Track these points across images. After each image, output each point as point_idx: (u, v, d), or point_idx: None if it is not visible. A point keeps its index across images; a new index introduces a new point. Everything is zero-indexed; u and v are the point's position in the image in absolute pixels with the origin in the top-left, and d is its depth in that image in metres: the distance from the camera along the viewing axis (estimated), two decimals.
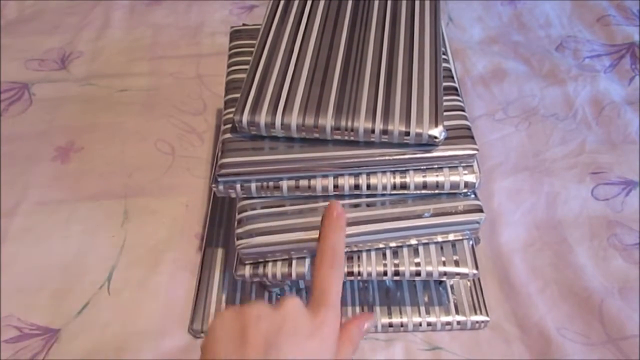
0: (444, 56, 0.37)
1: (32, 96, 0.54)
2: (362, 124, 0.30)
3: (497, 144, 0.49)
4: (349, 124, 0.30)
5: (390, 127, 0.30)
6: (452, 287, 0.38)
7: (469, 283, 0.39)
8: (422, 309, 0.37)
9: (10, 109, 0.53)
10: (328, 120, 0.30)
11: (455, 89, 0.36)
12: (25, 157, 0.49)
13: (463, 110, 0.34)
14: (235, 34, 0.41)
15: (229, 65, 0.39)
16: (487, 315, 0.37)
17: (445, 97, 0.33)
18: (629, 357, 0.36)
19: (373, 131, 0.30)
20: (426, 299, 0.38)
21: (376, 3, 0.38)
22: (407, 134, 0.30)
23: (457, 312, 0.37)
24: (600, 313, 0.38)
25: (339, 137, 0.31)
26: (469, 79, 0.55)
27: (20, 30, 0.62)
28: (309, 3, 0.38)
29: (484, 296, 0.38)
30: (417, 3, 0.39)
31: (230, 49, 0.40)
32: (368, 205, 0.32)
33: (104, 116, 0.52)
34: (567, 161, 0.48)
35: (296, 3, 0.38)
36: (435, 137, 0.30)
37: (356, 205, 0.32)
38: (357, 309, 0.37)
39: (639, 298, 0.38)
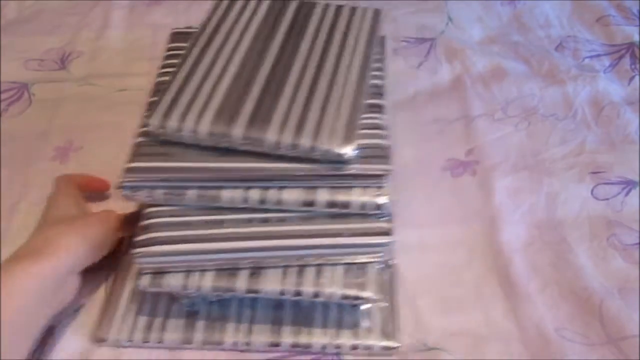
0: (376, 72, 0.37)
1: (32, 96, 0.54)
2: (271, 135, 0.30)
3: (497, 143, 0.49)
4: (259, 135, 0.30)
5: (299, 142, 0.30)
6: (368, 309, 0.37)
7: (385, 306, 0.37)
8: (333, 330, 0.35)
9: (10, 109, 0.53)
10: (238, 130, 0.30)
11: (380, 106, 0.35)
12: (24, 157, 0.49)
13: (383, 129, 0.33)
14: (175, 36, 0.40)
15: (161, 67, 0.38)
16: (397, 341, 0.36)
17: (367, 115, 0.33)
18: (629, 358, 0.36)
19: (281, 144, 0.30)
20: (338, 320, 0.36)
21: (317, 12, 0.38)
22: (316, 149, 0.30)
23: (367, 337, 0.35)
24: (600, 313, 0.38)
25: (249, 148, 0.30)
26: (469, 78, 0.55)
27: (20, 30, 0.62)
28: (249, 9, 0.38)
29: (398, 321, 0.37)
30: (357, 14, 0.38)
31: (167, 50, 0.39)
32: (278, 220, 0.32)
33: (103, 116, 0.52)
34: (566, 161, 0.48)
35: (237, 8, 0.38)
36: (345, 155, 0.30)
37: (266, 220, 0.32)
38: (268, 327, 0.36)
39: (639, 298, 0.38)
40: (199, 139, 0.30)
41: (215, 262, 0.31)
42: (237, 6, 0.38)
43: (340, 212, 0.32)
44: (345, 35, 0.36)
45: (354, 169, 0.31)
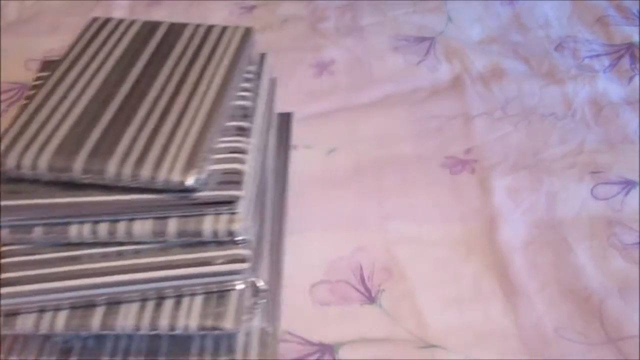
0: (245, 93, 0.36)
1: None
2: (111, 167, 0.29)
3: (496, 142, 0.49)
4: (99, 167, 0.29)
5: (138, 172, 0.29)
6: (247, 334, 0.35)
7: (266, 329, 0.35)
8: (209, 358, 0.33)
9: (10, 109, 0.53)
10: (78, 163, 0.29)
11: (244, 129, 0.34)
12: None
13: (243, 153, 0.33)
14: (45, 65, 0.40)
15: (25, 98, 0.36)
16: None
17: (229, 139, 0.33)
18: (629, 358, 0.35)
19: (122, 176, 0.29)
20: (215, 346, 0.34)
21: (186, 34, 0.37)
22: (155, 180, 0.29)
23: None
24: (600, 313, 0.38)
25: (91, 181, 0.30)
26: (468, 77, 0.55)
27: (20, 31, 0.62)
28: (117, 33, 0.37)
29: (276, 344, 0.35)
30: (226, 34, 0.37)
31: (34, 80, 0.38)
32: (133, 253, 0.31)
33: None
34: (566, 160, 0.47)
35: (105, 32, 0.37)
36: (185, 184, 0.29)
37: (120, 254, 0.31)
38: (142, 359, 0.34)
39: (639, 298, 0.38)
40: (39, 175, 0.30)
41: (69, 300, 0.30)
42: (106, 30, 0.38)
43: (194, 241, 0.31)
44: (210, 57, 0.36)
45: (202, 196, 0.30)
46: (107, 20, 0.39)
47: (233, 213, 0.30)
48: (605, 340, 0.36)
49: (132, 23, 0.39)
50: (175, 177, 0.29)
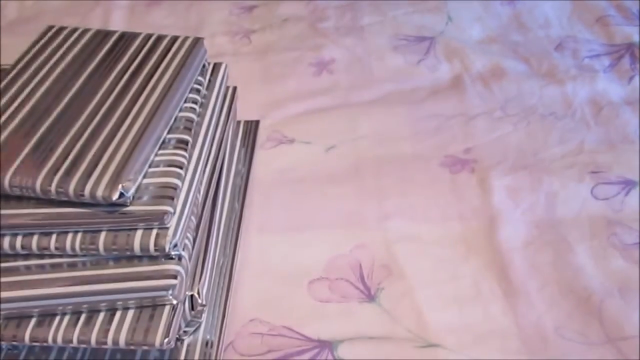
0: (191, 104, 0.35)
1: None
2: (39, 181, 0.29)
3: (496, 142, 0.49)
4: (27, 181, 0.29)
5: (65, 186, 0.29)
6: (189, 345, 0.34)
7: (210, 345, 0.35)
8: None
9: None
10: (8, 175, 0.29)
11: (186, 142, 0.34)
12: None
13: (181, 168, 0.32)
14: None
15: None
16: None
17: (168, 151, 0.32)
18: (628, 358, 0.35)
19: (50, 190, 0.29)
20: (160, 357, 0.34)
21: (135, 44, 0.37)
22: (82, 194, 0.29)
23: None
24: (600, 313, 0.38)
25: (20, 194, 0.29)
26: (468, 76, 0.55)
27: (20, 30, 0.63)
28: (68, 42, 0.37)
29: (218, 357, 0.34)
30: (175, 45, 0.37)
31: None
32: (69, 266, 0.30)
33: None
34: (566, 160, 0.47)
35: (56, 41, 0.37)
36: (113, 199, 0.29)
37: (55, 266, 0.30)
38: None
39: (639, 298, 0.38)
40: None
41: (5, 311, 0.30)
42: (58, 39, 0.38)
43: (127, 255, 0.30)
44: (155, 67, 0.35)
45: (132, 211, 0.29)
46: (61, 29, 0.39)
47: (163, 228, 0.30)
48: (605, 340, 0.36)
49: (84, 32, 0.39)
50: (101, 191, 0.29)
